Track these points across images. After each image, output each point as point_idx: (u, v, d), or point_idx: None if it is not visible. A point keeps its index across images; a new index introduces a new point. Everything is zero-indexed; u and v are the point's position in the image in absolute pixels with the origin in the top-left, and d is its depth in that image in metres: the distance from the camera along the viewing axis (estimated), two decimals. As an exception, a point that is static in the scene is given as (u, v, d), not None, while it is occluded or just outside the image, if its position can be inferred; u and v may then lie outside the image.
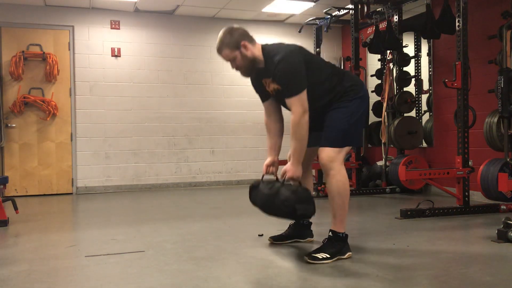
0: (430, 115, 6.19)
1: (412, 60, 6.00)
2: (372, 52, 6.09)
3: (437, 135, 5.88)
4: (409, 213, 4.11)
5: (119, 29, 6.76)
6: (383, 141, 5.92)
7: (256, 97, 3.13)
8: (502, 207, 4.30)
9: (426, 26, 5.14)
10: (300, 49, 2.82)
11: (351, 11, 5.90)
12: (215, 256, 2.89)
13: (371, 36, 6.20)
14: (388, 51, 5.92)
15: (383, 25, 6.07)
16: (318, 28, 6.61)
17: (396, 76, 5.91)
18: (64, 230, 4.13)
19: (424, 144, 6.10)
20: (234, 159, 7.27)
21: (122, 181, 6.74)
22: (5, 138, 6.22)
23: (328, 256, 2.69)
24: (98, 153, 6.64)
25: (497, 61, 4.36)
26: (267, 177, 2.96)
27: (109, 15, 6.70)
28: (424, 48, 6.34)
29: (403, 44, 5.89)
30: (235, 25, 2.87)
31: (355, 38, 5.91)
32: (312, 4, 6.42)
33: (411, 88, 6.08)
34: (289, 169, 2.76)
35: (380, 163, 6.32)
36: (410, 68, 6.03)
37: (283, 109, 3.04)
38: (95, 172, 6.62)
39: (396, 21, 5.86)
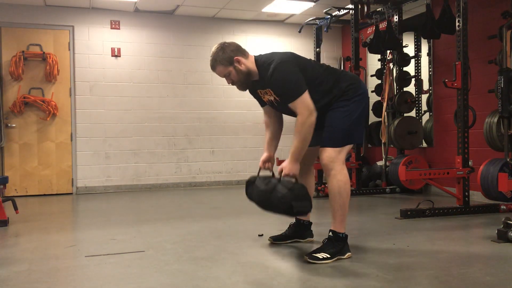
0: (430, 115, 6.19)
1: (412, 60, 6.00)
2: (372, 52, 6.09)
3: (437, 135, 5.88)
4: (409, 213, 4.11)
5: (119, 29, 6.76)
6: (383, 141, 5.92)
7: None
8: (502, 207, 4.30)
9: (426, 26, 5.14)
10: (292, 56, 2.83)
11: (351, 11, 5.90)
12: (215, 256, 2.89)
13: (371, 36, 6.20)
14: (388, 51, 5.92)
15: (383, 25, 6.07)
16: (318, 28, 6.61)
17: (396, 76, 5.91)
18: (64, 230, 4.13)
19: (424, 144, 6.10)
20: (234, 159, 7.27)
21: (122, 181, 6.74)
22: (5, 138, 6.22)
23: (328, 256, 2.69)
24: (98, 153, 6.64)
25: (497, 61, 4.36)
26: (263, 172, 2.95)
27: (109, 15, 6.71)
28: (424, 48, 6.34)
29: (403, 44, 5.90)
30: (227, 41, 2.89)
31: (355, 38, 5.91)
32: (312, 4, 6.42)
33: (411, 88, 6.08)
34: (286, 166, 2.76)
35: (380, 163, 6.32)
36: (410, 68, 6.03)
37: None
38: (95, 172, 6.62)
39: (396, 21, 5.86)
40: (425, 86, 6.28)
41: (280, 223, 3.66)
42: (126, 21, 6.80)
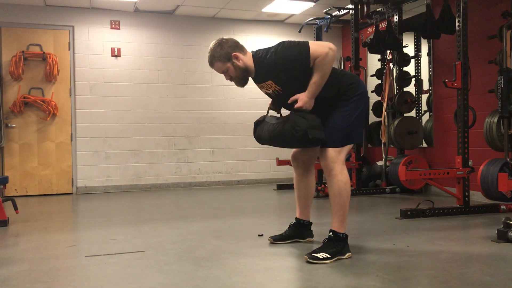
0: (430, 115, 6.19)
1: (412, 60, 6.00)
2: (372, 52, 6.09)
3: (437, 135, 5.88)
4: (409, 213, 4.11)
5: (119, 29, 6.76)
6: (383, 141, 5.92)
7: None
8: (502, 207, 4.30)
9: (426, 26, 5.14)
10: None
11: (351, 11, 5.90)
12: (215, 256, 2.89)
13: (371, 36, 6.20)
14: (388, 51, 5.92)
15: (383, 25, 6.07)
16: (318, 28, 6.61)
17: (396, 76, 5.91)
18: (64, 230, 4.13)
19: (424, 144, 6.10)
20: (234, 159, 7.27)
21: (122, 181, 6.74)
22: (5, 138, 6.22)
23: (328, 256, 2.69)
24: (98, 153, 6.64)
25: (497, 61, 4.36)
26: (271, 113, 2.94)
27: (109, 15, 6.71)
28: (424, 48, 6.34)
29: (403, 44, 5.89)
30: (225, 37, 2.89)
31: (355, 38, 5.91)
32: (312, 4, 6.43)
33: (411, 88, 6.08)
34: (302, 98, 2.73)
35: (380, 163, 6.32)
36: (410, 68, 6.02)
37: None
38: (95, 172, 6.62)
39: (396, 21, 5.86)
40: (425, 86, 6.27)
41: (280, 223, 3.66)
42: (126, 21, 6.80)
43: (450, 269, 2.56)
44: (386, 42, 5.72)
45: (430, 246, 3.12)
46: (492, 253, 2.88)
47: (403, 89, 5.93)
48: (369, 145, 6.67)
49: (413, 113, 6.11)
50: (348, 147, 2.84)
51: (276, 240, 3.20)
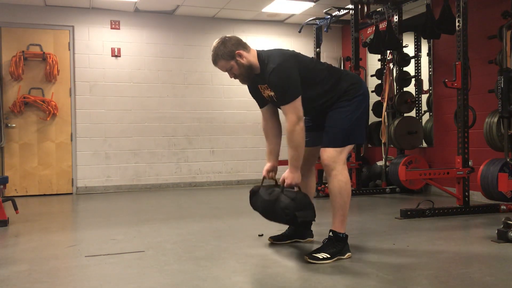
0: (430, 115, 6.19)
1: (412, 60, 6.00)
2: (372, 52, 6.09)
3: (437, 135, 5.88)
4: (409, 213, 4.11)
5: (119, 29, 6.76)
6: (383, 141, 5.92)
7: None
8: (502, 207, 4.30)
9: (426, 26, 5.14)
10: (294, 55, 2.83)
11: (351, 11, 5.90)
12: (215, 256, 2.89)
13: (371, 36, 6.20)
14: (388, 51, 5.92)
15: (383, 25, 6.07)
16: (318, 28, 6.61)
17: (396, 76, 5.91)
18: (64, 230, 4.13)
19: (424, 144, 6.10)
20: (234, 159, 7.27)
21: (122, 181, 6.74)
22: (5, 138, 6.22)
23: (328, 256, 2.69)
24: (98, 153, 6.64)
25: (497, 61, 4.36)
26: (266, 182, 2.98)
27: (109, 15, 6.71)
28: (424, 48, 6.34)
29: (403, 44, 5.89)
30: (228, 35, 2.87)
31: (355, 38, 5.91)
32: (312, 4, 6.43)
33: (411, 88, 6.08)
34: (288, 176, 2.80)
35: (380, 163, 6.32)
36: (410, 68, 6.02)
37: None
38: (95, 172, 6.62)
39: (396, 21, 5.86)
40: (425, 86, 6.27)
41: (280, 223, 3.65)
42: (126, 21, 6.80)
43: (450, 269, 2.56)
44: (386, 42, 5.72)
45: (430, 246, 3.12)
46: (492, 253, 2.89)
47: (403, 89, 5.93)
48: (369, 145, 6.67)
49: (413, 113, 6.11)
50: (349, 147, 2.85)
51: (276, 240, 3.20)
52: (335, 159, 2.77)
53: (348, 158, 5.93)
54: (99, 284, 2.39)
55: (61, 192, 6.51)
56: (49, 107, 6.36)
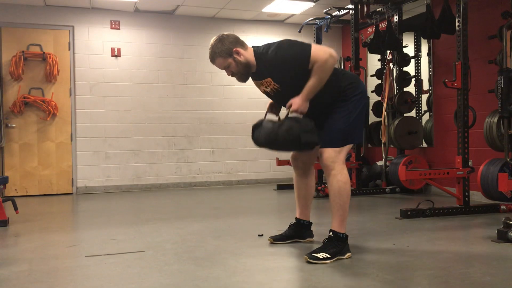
0: (430, 115, 6.19)
1: (412, 60, 6.00)
2: (372, 52, 6.09)
3: (437, 135, 5.88)
4: (409, 213, 4.11)
5: (119, 29, 6.77)
6: (383, 141, 5.92)
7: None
8: (502, 207, 4.30)
9: (426, 26, 5.14)
10: None
11: (351, 11, 5.90)
12: (215, 256, 2.89)
13: (371, 36, 6.20)
14: (388, 51, 5.92)
15: (383, 25, 6.07)
16: (318, 28, 6.61)
17: (396, 76, 5.91)
18: (64, 230, 4.12)
19: (424, 144, 6.10)
20: (234, 159, 7.27)
21: (122, 181, 6.74)
22: (5, 138, 6.22)
23: (328, 256, 2.69)
24: (98, 153, 6.64)
25: (497, 61, 4.36)
26: (269, 116, 2.94)
27: (109, 15, 6.71)
28: (424, 48, 6.34)
29: (403, 44, 5.89)
30: (225, 33, 2.88)
31: (355, 38, 5.91)
32: (312, 4, 6.43)
33: (411, 88, 6.08)
34: (296, 101, 2.74)
35: (380, 163, 6.32)
36: (410, 68, 6.02)
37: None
38: (95, 172, 6.62)
39: (396, 21, 5.86)
40: (425, 86, 6.27)
41: (280, 223, 3.66)
42: (126, 21, 6.80)
43: (450, 269, 2.56)
44: (386, 42, 5.71)
45: (430, 246, 3.12)
46: (492, 253, 2.89)
47: (403, 89, 5.93)
48: (369, 145, 6.67)
49: (413, 113, 6.11)
50: (348, 147, 2.84)
51: (276, 240, 3.20)
52: (334, 159, 2.77)
53: (348, 158, 5.93)
54: (99, 284, 2.39)
55: (61, 192, 6.51)
56: (49, 107, 6.36)
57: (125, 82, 6.78)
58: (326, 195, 5.30)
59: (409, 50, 6.12)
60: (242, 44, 2.85)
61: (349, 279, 2.41)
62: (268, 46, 2.80)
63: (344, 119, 2.80)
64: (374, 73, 6.41)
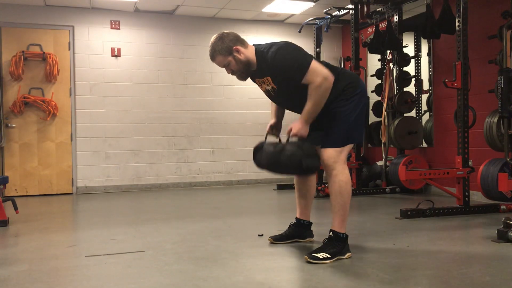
0: (430, 115, 6.19)
1: (412, 60, 6.00)
2: (372, 52, 6.09)
3: (437, 135, 5.88)
4: (409, 213, 4.11)
5: (119, 29, 6.77)
6: (383, 141, 5.92)
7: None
8: (502, 207, 4.30)
9: (426, 26, 5.14)
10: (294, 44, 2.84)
11: (351, 11, 5.90)
12: (215, 256, 2.89)
13: (371, 36, 6.20)
14: (388, 51, 5.92)
15: (383, 25, 6.07)
16: (318, 28, 6.61)
17: (396, 76, 5.91)
18: (64, 230, 4.13)
19: (424, 144, 6.10)
20: (234, 159, 7.27)
21: (122, 181, 6.74)
22: (5, 138, 6.22)
23: (328, 256, 2.69)
24: (98, 153, 6.64)
25: (497, 61, 4.36)
26: (270, 138, 2.95)
27: (109, 15, 6.71)
28: (424, 48, 6.34)
29: (403, 44, 5.89)
30: (226, 31, 2.87)
31: (355, 38, 5.91)
32: (312, 4, 6.43)
33: (411, 88, 6.08)
34: (295, 126, 2.75)
35: (380, 163, 6.32)
36: (410, 68, 6.03)
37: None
38: (95, 172, 6.62)
39: (396, 21, 5.86)
40: (425, 86, 6.28)
41: (280, 223, 3.66)
42: (126, 21, 6.80)
43: (450, 269, 2.56)
44: (386, 42, 5.72)
45: (430, 246, 3.12)
46: (492, 253, 2.89)
47: (403, 89, 5.93)
48: (369, 145, 6.67)
49: (413, 113, 6.11)
50: (348, 147, 2.84)
51: (276, 240, 3.20)
52: (335, 159, 2.77)
53: (348, 158, 5.93)
54: (99, 284, 2.39)
55: (61, 192, 6.51)
56: (49, 107, 6.36)
57: (125, 82, 6.78)
58: (326, 195, 5.30)
59: (409, 50, 6.12)
60: (242, 42, 2.85)
61: (349, 279, 2.41)
62: (270, 45, 2.80)
63: (344, 119, 2.80)
64: (374, 73, 6.41)
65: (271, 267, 2.67)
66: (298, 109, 2.82)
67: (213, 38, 2.84)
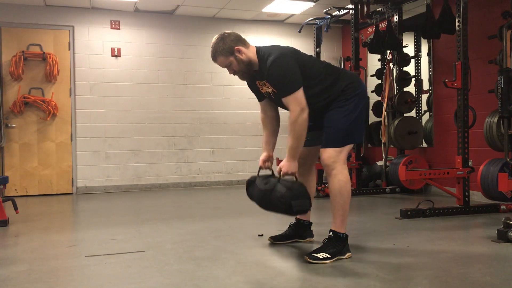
0: (430, 115, 6.19)
1: (412, 60, 6.00)
2: (372, 52, 6.09)
3: (437, 135, 5.88)
4: (409, 213, 4.11)
5: (119, 29, 6.77)
6: (383, 141, 5.92)
7: (256, 97, 3.13)
8: (502, 207, 4.30)
9: (426, 26, 5.14)
10: (293, 51, 2.83)
11: (351, 11, 5.90)
12: (215, 256, 2.89)
13: (371, 36, 6.20)
14: (388, 51, 5.92)
15: (383, 25, 6.07)
16: (318, 28, 6.61)
17: (396, 76, 5.91)
18: (64, 230, 4.13)
19: (424, 144, 6.10)
20: (234, 159, 7.27)
21: (122, 181, 6.74)
22: (5, 138, 6.22)
23: (328, 256, 2.69)
24: (98, 153, 6.64)
25: (497, 61, 4.36)
26: (263, 172, 2.95)
27: (109, 15, 6.71)
28: (424, 48, 6.34)
29: (403, 44, 5.90)
30: (227, 31, 2.87)
31: (355, 38, 5.91)
32: (312, 4, 6.43)
33: (411, 88, 6.08)
34: (284, 165, 2.77)
35: (380, 163, 6.32)
36: (410, 68, 6.03)
37: (280, 109, 3.05)
38: (95, 172, 6.62)
39: (396, 21, 5.86)
40: (425, 86, 6.28)
41: (280, 223, 3.66)
42: (126, 21, 6.80)
43: (450, 269, 2.56)
44: (386, 42, 5.72)
45: (430, 246, 3.12)
46: (492, 253, 2.89)
47: (403, 89, 5.93)
48: (369, 145, 6.67)
49: (413, 113, 6.11)
50: (348, 147, 2.84)
51: (276, 240, 3.20)
52: (335, 159, 2.77)
53: (348, 158, 5.93)
54: (99, 284, 2.39)
55: (61, 192, 6.51)
56: (49, 107, 6.36)
57: (125, 82, 6.78)
58: (326, 195, 5.30)
59: (409, 50, 6.12)
60: (243, 43, 2.85)
61: (349, 279, 2.41)
62: (269, 51, 2.78)
63: (344, 118, 2.80)
64: (374, 73, 6.41)
65: (271, 267, 2.67)
66: None
67: (214, 38, 2.84)
